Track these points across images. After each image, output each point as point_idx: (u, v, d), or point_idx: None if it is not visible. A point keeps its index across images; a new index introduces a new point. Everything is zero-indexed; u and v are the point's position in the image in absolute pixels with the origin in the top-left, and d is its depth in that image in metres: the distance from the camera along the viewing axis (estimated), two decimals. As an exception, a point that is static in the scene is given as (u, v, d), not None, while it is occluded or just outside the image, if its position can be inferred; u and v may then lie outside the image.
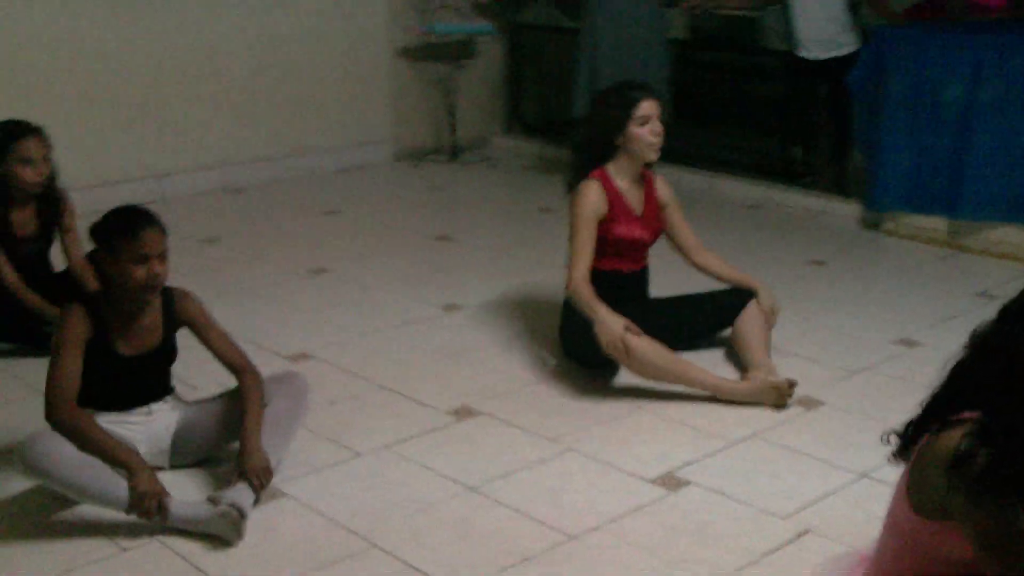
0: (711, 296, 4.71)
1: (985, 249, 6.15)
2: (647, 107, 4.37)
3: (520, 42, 8.81)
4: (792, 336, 4.90)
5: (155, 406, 3.65)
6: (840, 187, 7.07)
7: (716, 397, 4.22)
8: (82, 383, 3.45)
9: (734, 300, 4.59)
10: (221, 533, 3.26)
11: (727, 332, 4.63)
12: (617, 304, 4.25)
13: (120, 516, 3.29)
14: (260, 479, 3.40)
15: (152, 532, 3.28)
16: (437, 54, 8.13)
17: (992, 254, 6.12)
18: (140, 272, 3.40)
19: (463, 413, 4.14)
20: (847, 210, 6.82)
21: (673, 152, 7.72)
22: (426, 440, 3.94)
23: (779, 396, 4.17)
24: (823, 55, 6.84)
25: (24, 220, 4.60)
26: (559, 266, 4.83)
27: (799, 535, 3.34)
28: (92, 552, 3.22)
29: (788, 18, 6.89)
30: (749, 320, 4.51)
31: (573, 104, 7.16)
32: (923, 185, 6.23)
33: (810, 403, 4.26)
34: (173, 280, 3.60)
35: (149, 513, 3.24)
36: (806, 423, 4.11)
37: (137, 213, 3.49)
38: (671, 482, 3.65)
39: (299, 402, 3.70)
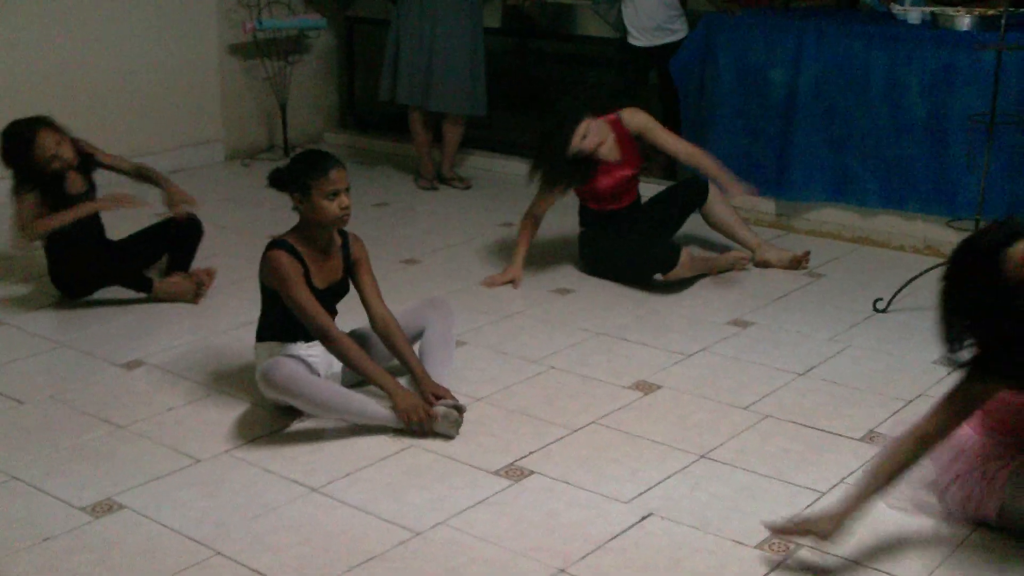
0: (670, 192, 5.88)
1: (811, 229, 6.34)
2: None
3: (352, 36, 8.75)
4: (628, 322, 4.98)
5: None
6: (670, 172, 7.18)
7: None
8: (279, 316, 3.95)
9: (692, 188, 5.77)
10: (444, 431, 3.86)
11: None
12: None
13: None
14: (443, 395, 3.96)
15: None
16: (268, 51, 8.01)
17: (817, 233, 6.31)
18: (333, 207, 3.87)
19: (299, 415, 4.09)
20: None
21: (496, 141, 7.90)
22: (266, 443, 3.89)
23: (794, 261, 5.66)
24: (654, 42, 6.94)
25: (73, 181, 5.24)
26: (398, 264, 4.81)
27: (642, 519, 3.40)
28: None
29: (620, 6, 6.98)
30: (716, 205, 5.73)
31: (379, 89, 7.48)
32: (752, 167, 6.37)
33: (647, 387, 4.33)
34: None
35: (422, 421, 3.85)
36: (644, 407, 4.18)
37: (321, 155, 3.96)
38: (514, 473, 3.68)
39: (450, 321, 4.30)
